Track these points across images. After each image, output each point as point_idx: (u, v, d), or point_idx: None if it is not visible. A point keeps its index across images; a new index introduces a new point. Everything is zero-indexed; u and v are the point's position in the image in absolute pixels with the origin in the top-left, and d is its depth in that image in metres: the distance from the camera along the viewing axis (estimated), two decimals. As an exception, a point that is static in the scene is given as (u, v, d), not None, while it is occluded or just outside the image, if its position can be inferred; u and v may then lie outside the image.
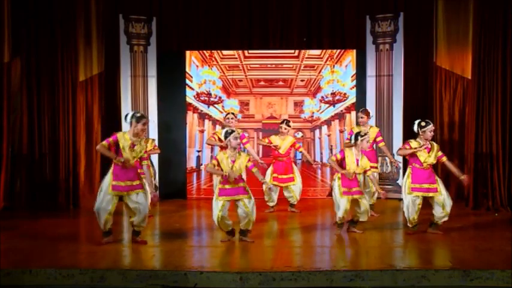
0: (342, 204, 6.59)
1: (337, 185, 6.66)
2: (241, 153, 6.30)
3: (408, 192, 6.61)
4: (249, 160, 6.30)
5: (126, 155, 6.06)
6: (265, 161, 8.34)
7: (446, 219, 6.61)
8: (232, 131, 6.31)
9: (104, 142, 6.12)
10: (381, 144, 8.08)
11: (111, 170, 6.16)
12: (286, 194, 8.36)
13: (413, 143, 6.63)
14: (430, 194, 6.56)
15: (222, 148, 7.51)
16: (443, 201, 6.53)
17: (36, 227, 7.32)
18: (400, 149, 6.88)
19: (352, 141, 6.75)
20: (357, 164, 6.64)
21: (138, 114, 6.25)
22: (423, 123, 6.63)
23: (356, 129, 7.46)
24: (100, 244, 6.10)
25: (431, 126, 6.64)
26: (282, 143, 8.30)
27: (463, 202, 8.67)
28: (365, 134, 6.76)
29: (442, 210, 6.54)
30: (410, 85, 9.66)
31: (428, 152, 6.60)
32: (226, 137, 6.29)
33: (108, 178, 6.13)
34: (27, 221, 7.72)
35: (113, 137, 6.12)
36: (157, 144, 8.45)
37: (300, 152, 8.59)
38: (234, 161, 6.18)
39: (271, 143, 8.37)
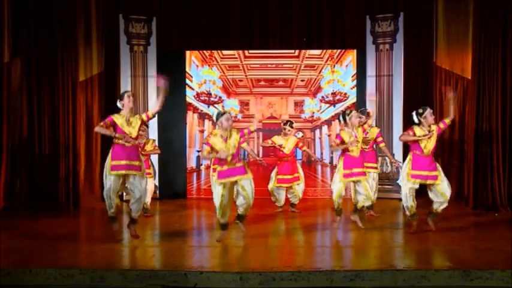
0: (336, 188, 6.67)
1: (338, 168, 6.70)
2: (232, 131, 6.20)
3: (407, 179, 6.49)
4: (240, 136, 6.22)
5: (126, 129, 6.11)
6: (265, 161, 8.33)
7: (445, 205, 6.52)
8: (224, 113, 6.25)
9: (101, 123, 6.18)
10: (381, 145, 8.04)
11: (110, 152, 6.17)
12: (289, 193, 8.36)
13: (418, 130, 6.49)
14: (428, 182, 6.45)
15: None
16: (443, 190, 6.45)
17: (36, 227, 7.31)
18: (403, 134, 6.71)
19: (342, 121, 6.81)
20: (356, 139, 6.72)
21: (121, 93, 6.48)
22: (421, 110, 6.52)
23: (359, 130, 7.40)
24: (100, 244, 6.09)
25: (429, 110, 6.51)
26: (286, 143, 8.29)
27: (463, 202, 8.67)
28: (351, 111, 6.84)
29: (441, 197, 6.47)
30: (410, 85, 9.66)
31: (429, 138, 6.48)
32: (217, 119, 6.17)
33: (108, 160, 6.16)
34: (27, 221, 7.72)
35: (108, 118, 6.18)
36: (157, 144, 8.45)
37: (304, 150, 8.56)
38: (226, 140, 6.14)
39: (274, 143, 8.36)
